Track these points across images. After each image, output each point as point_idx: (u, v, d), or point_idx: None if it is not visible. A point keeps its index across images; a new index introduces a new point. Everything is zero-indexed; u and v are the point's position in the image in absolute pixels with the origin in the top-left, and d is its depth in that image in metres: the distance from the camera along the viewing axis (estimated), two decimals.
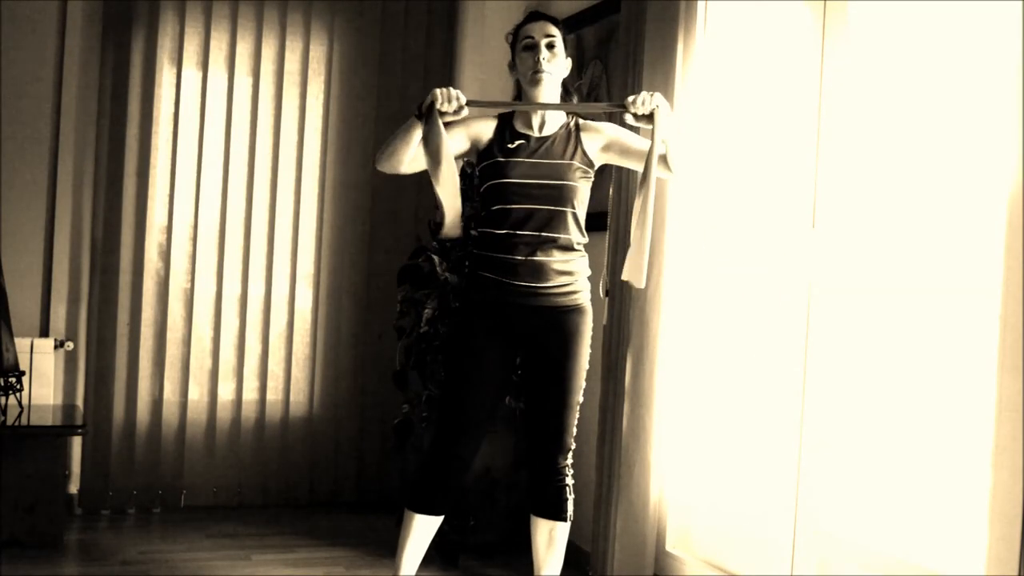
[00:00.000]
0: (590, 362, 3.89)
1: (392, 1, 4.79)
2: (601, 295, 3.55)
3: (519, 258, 2.78)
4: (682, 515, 3.51)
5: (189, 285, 4.54)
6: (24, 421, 3.87)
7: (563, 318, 2.83)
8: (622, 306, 3.46)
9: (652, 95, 2.68)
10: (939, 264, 2.64)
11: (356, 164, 4.75)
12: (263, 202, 4.63)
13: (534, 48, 2.81)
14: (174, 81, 4.49)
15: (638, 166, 2.88)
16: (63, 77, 4.31)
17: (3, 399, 3.96)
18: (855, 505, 2.86)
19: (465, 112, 2.70)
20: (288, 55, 4.67)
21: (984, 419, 2.41)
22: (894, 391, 2.75)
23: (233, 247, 4.59)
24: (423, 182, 4.81)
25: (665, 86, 3.38)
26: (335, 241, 4.75)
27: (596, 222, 3.82)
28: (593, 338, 3.82)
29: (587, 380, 3.92)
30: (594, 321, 3.79)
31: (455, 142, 2.82)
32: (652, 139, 2.71)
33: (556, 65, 2.83)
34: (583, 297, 2.87)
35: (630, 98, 2.70)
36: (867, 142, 2.86)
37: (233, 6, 4.57)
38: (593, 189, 3.89)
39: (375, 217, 4.77)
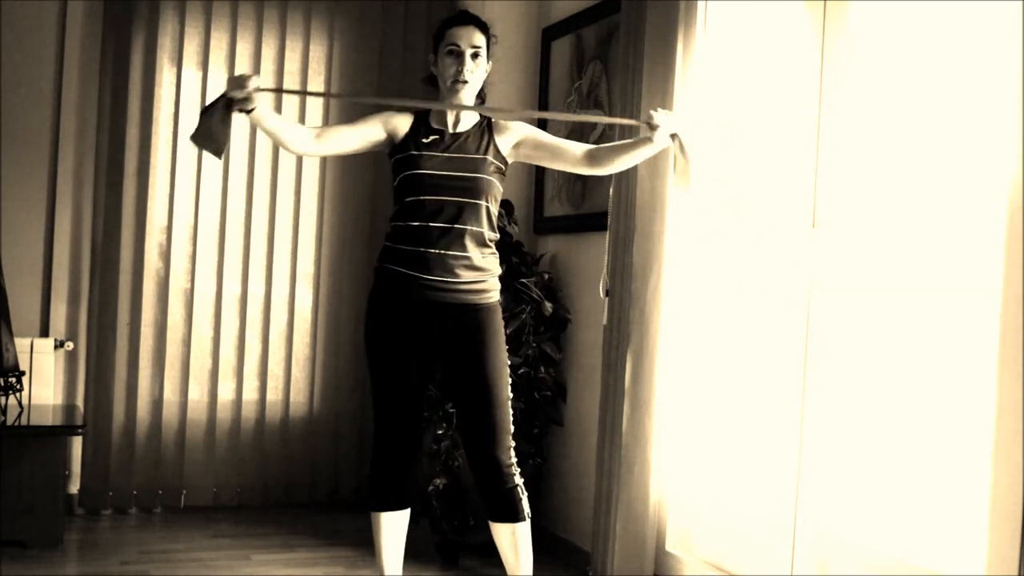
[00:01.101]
0: (587, 362, 3.91)
1: (392, 1, 4.79)
2: (601, 295, 3.55)
3: (432, 251, 2.78)
4: (682, 515, 3.51)
5: (189, 285, 4.53)
6: (24, 421, 3.87)
7: (472, 316, 2.83)
8: (622, 306, 3.46)
9: (670, 114, 2.79)
10: (939, 264, 2.64)
11: (356, 164, 4.75)
12: (263, 202, 4.63)
13: (459, 56, 2.84)
14: (174, 81, 4.49)
15: (551, 162, 2.98)
16: (63, 77, 4.31)
17: (3, 399, 3.96)
18: (855, 505, 2.86)
19: (255, 99, 2.59)
20: (288, 55, 4.66)
21: (984, 419, 2.41)
22: (894, 391, 2.75)
23: (233, 247, 4.59)
24: None
25: (665, 86, 3.38)
26: (335, 241, 4.75)
27: (596, 222, 3.83)
28: (593, 338, 3.84)
29: (583, 380, 3.94)
30: (594, 321, 3.81)
31: (372, 131, 2.86)
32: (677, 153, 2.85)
33: (477, 75, 2.88)
34: (493, 296, 2.88)
35: (654, 113, 2.78)
36: (867, 142, 2.86)
37: (233, 6, 4.57)
38: (593, 189, 3.92)
39: (375, 217, 4.77)
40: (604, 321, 3.54)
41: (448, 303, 2.80)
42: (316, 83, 4.71)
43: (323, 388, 4.76)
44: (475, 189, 2.80)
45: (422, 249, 2.79)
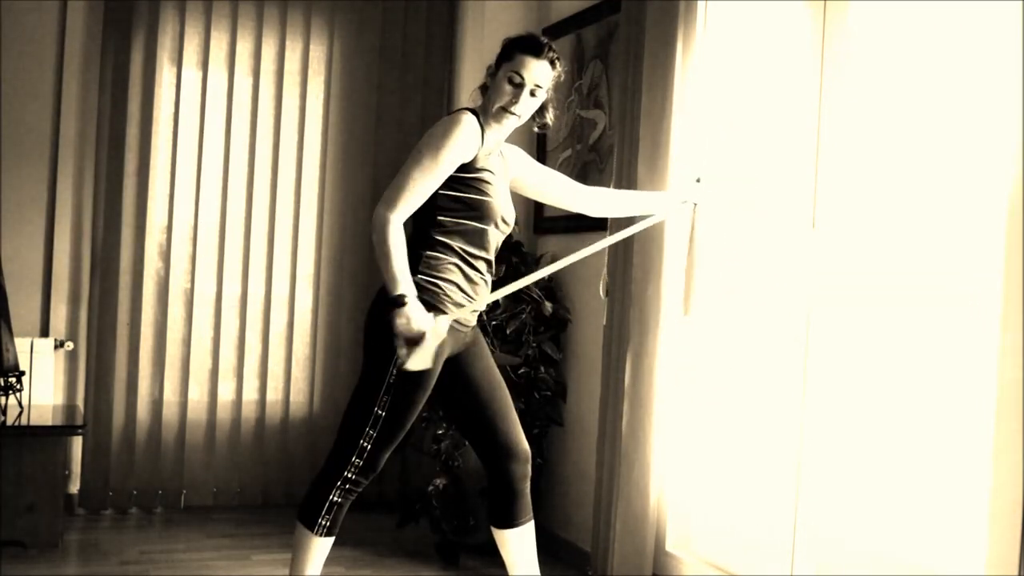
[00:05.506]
0: (587, 362, 3.91)
1: (392, 1, 4.79)
2: (601, 295, 3.55)
3: (484, 278, 2.73)
4: (682, 515, 3.51)
5: (189, 285, 4.53)
6: (24, 421, 3.87)
7: (477, 329, 2.84)
8: (622, 307, 3.46)
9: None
10: (939, 264, 2.64)
11: (356, 164, 4.75)
12: (263, 202, 4.62)
13: (518, 88, 2.61)
14: (174, 81, 4.49)
15: (539, 193, 2.93)
16: (63, 77, 4.31)
17: (3, 399, 3.96)
18: (855, 505, 2.86)
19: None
20: (288, 55, 4.67)
21: (984, 419, 2.41)
22: (894, 390, 2.75)
23: (233, 247, 4.59)
24: None
25: (665, 86, 3.38)
26: (335, 241, 4.75)
27: (596, 222, 3.83)
28: (593, 338, 3.85)
29: (583, 380, 3.95)
30: (594, 321, 3.81)
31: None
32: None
33: (528, 111, 2.67)
34: None
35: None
36: (867, 142, 2.86)
37: (233, 6, 4.57)
38: None
39: None
40: (604, 321, 3.54)
41: (472, 324, 2.79)
42: (316, 83, 4.71)
43: (323, 388, 4.76)
44: (511, 223, 2.77)
45: (477, 275, 2.70)
